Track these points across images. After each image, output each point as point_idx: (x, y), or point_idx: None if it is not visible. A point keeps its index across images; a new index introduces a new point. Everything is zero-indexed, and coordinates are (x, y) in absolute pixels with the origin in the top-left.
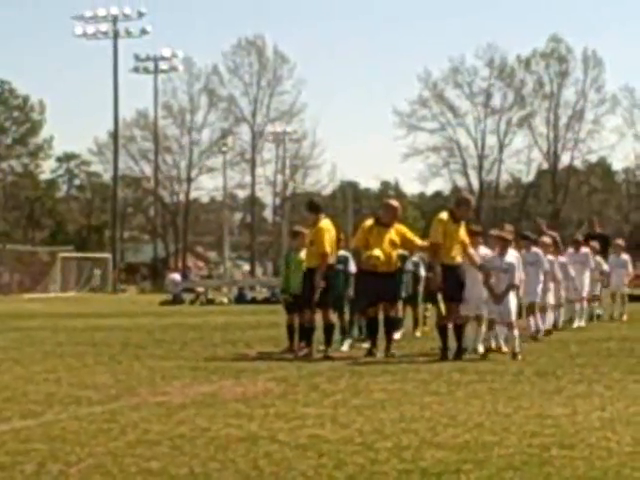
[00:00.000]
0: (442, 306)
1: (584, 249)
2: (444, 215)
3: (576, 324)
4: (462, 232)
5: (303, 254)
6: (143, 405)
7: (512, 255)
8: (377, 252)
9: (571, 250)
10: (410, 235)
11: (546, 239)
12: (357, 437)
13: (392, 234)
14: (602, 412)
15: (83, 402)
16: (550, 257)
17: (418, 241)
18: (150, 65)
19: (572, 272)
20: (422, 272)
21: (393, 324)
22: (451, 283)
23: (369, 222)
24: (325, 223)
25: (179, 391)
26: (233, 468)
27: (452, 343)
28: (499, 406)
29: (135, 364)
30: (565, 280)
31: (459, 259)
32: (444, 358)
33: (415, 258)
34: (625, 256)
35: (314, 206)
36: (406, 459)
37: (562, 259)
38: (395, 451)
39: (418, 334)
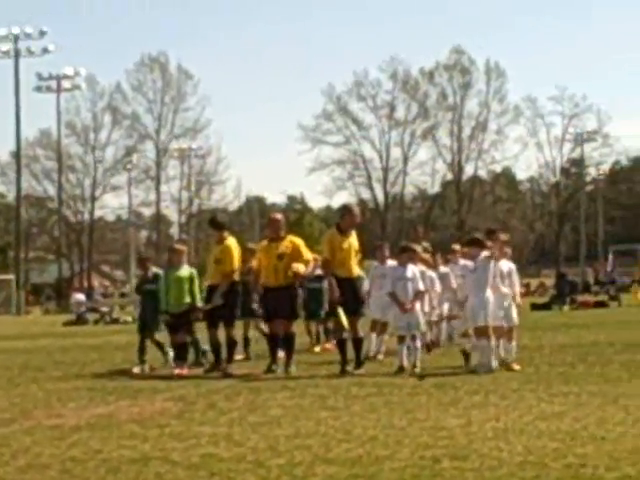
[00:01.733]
0: (343, 319)
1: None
2: (331, 230)
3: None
4: (354, 242)
5: (182, 271)
6: (37, 428)
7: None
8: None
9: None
10: (302, 249)
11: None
12: (250, 455)
13: (281, 248)
14: (496, 422)
15: None
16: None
17: (307, 255)
18: (53, 84)
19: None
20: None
21: (291, 340)
22: (348, 296)
23: (263, 242)
24: (232, 241)
25: (74, 413)
26: None
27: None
28: (394, 419)
29: (32, 386)
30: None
31: (356, 271)
32: (343, 372)
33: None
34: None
35: (217, 223)
36: (297, 476)
37: (444, 269)
38: (287, 468)
39: (317, 349)
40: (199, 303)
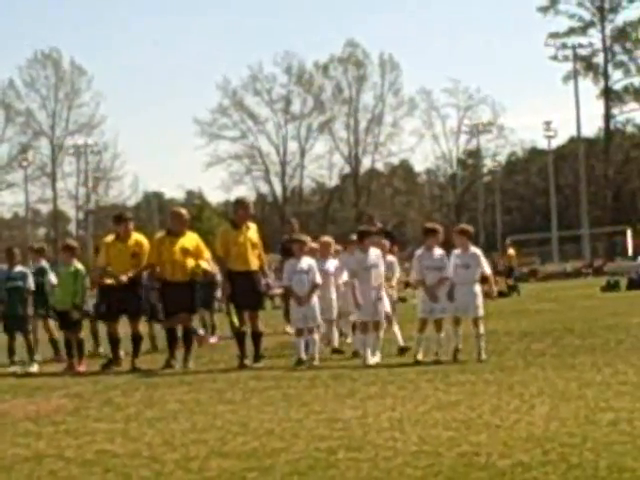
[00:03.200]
0: (234, 316)
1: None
2: (224, 226)
3: None
4: (250, 236)
5: (72, 268)
6: None
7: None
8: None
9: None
10: (202, 246)
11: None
12: (145, 450)
13: (184, 243)
14: (392, 412)
15: None
16: None
17: (207, 253)
18: None
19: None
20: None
21: (190, 334)
22: (242, 290)
23: (160, 234)
24: (141, 236)
25: None
26: None
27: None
28: (292, 412)
29: None
30: None
31: (254, 265)
32: (242, 366)
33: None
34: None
35: (127, 218)
36: (192, 470)
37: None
38: (182, 462)
39: (213, 341)
40: (80, 301)
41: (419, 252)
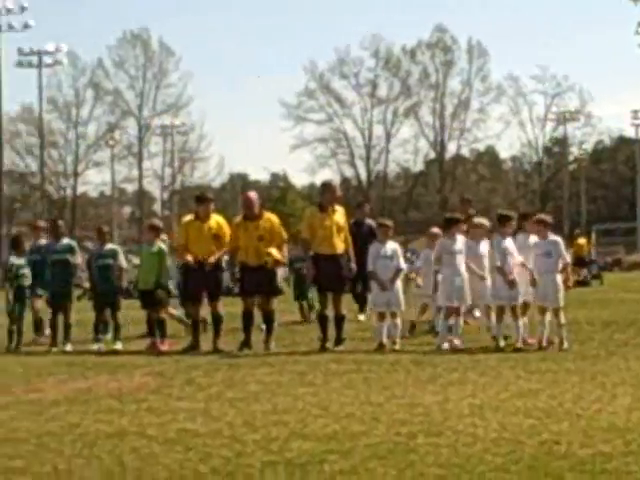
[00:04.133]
0: (317, 297)
1: None
2: (310, 209)
3: None
4: (336, 219)
5: (155, 248)
6: (14, 403)
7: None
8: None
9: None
10: (277, 229)
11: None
12: (226, 430)
13: (259, 227)
14: (473, 399)
15: None
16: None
17: (283, 236)
18: (34, 59)
19: None
20: None
21: (271, 317)
22: (327, 273)
23: (237, 218)
24: (220, 217)
25: (53, 387)
26: (97, 464)
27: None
28: (372, 395)
29: (11, 361)
30: None
31: (340, 248)
32: (323, 349)
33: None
34: None
35: (208, 198)
36: (272, 451)
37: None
38: (263, 443)
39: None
40: (165, 280)
41: (499, 239)
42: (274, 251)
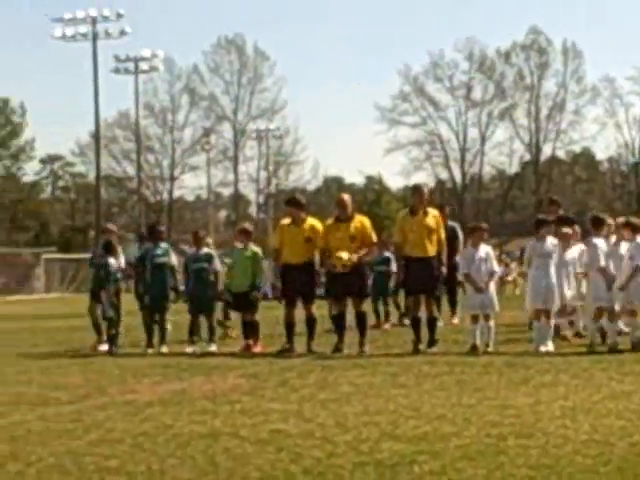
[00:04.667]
0: (408, 300)
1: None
2: (401, 212)
3: None
4: (427, 222)
5: (249, 251)
6: (110, 404)
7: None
8: (343, 254)
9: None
10: (368, 231)
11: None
12: (318, 431)
13: (350, 228)
14: (565, 401)
15: (51, 402)
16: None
17: (373, 238)
18: (130, 66)
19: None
20: (393, 268)
21: (363, 319)
22: (418, 275)
23: (329, 220)
24: (315, 220)
25: (148, 389)
26: (190, 464)
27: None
28: (464, 397)
29: (108, 363)
30: None
31: (430, 251)
32: (416, 351)
33: (387, 254)
34: None
35: (300, 203)
36: (363, 452)
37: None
38: (354, 444)
39: (387, 327)
40: (260, 283)
41: (596, 240)
42: (345, 255)
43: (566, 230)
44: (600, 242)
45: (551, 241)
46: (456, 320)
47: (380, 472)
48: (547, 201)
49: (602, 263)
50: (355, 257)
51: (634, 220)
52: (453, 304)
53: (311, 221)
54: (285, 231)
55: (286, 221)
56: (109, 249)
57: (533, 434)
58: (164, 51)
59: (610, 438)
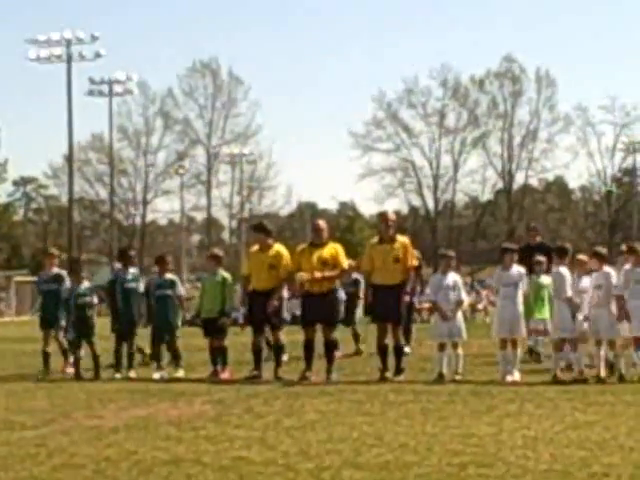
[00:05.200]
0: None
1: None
2: (372, 239)
3: None
4: (395, 250)
5: (219, 277)
6: (75, 429)
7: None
8: (302, 274)
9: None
10: (339, 257)
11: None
12: (281, 458)
13: (323, 253)
14: (527, 431)
15: (16, 427)
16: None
17: (344, 263)
18: (105, 88)
19: None
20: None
21: (332, 347)
22: (384, 303)
23: (302, 245)
24: (282, 247)
25: (114, 414)
26: None
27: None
28: (428, 426)
29: (74, 387)
30: None
31: (397, 279)
32: (383, 379)
33: (356, 275)
34: None
35: (266, 229)
36: (324, 479)
37: None
38: (315, 472)
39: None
40: (228, 309)
41: (562, 270)
42: (304, 275)
43: (540, 259)
44: (565, 271)
45: (517, 269)
46: (407, 349)
47: None
48: (526, 227)
49: (568, 293)
50: (318, 274)
51: (600, 250)
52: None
53: (277, 247)
54: (252, 257)
55: (254, 248)
56: (75, 271)
57: (494, 463)
58: (138, 74)
59: (570, 468)
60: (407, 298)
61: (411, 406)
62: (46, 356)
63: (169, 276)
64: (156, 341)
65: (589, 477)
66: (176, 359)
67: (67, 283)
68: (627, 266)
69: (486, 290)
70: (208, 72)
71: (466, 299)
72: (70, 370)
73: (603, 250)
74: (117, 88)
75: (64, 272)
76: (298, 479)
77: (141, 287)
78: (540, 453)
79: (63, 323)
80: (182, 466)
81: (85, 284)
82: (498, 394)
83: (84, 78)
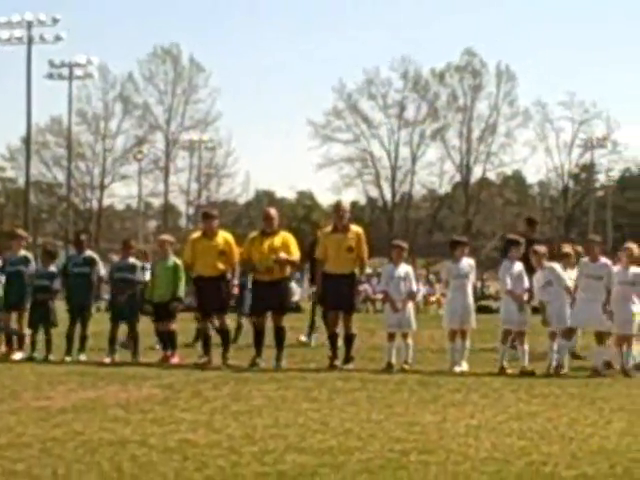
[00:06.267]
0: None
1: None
2: (325, 229)
3: None
4: (348, 239)
5: (168, 262)
6: (23, 409)
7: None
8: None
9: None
10: (291, 246)
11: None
12: (225, 441)
13: (274, 242)
14: (471, 419)
15: None
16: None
17: (296, 252)
18: (65, 71)
19: None
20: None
21: (282, 334)
22: (336, 292)
23: (253, 233)
24: (226, 232)
25: (62, 396)
26: (96, 470)
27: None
28: (373, 413)
29: (25, 369)
30: None
31: (348, 268)
32: (332, 367)
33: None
34: None
35: (212, 215)
36: (267, 463)
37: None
38: (259, 455)
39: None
40: (181, 294)
41: (505, 263)
42: (282, 254)
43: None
44: (508, 264)
45: (467, 262)
46: (302, 337)
47: None
48: (525, 220)
49: (508, 286)
50: (282, 256)
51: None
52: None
53: (223, 234)
54: (197, 244)
55: (196, 235)
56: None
57: (435, 451)
58: (99, 58)
59: (509, 456)
60: (361, 288)
61: (358, 394)
62: (8, 337)
63: (131, 260)
64: (112, 324)
65: (527, 465)
66: (135, 343)
67: (32, 265)
68: (584, 259)
69: (440, 282)
70: (169, 58)
71: (420, 290)
72: (19, 355)
73: (597, 238)
74: (77, 72)
75: (30, 255)
76: (241, 461)
77: (100, 269)
78: (482, 441)
79: (27, 306)
80: (128, 447)
81: (51, 268)
82: (445, 384)
83: (44, 61)
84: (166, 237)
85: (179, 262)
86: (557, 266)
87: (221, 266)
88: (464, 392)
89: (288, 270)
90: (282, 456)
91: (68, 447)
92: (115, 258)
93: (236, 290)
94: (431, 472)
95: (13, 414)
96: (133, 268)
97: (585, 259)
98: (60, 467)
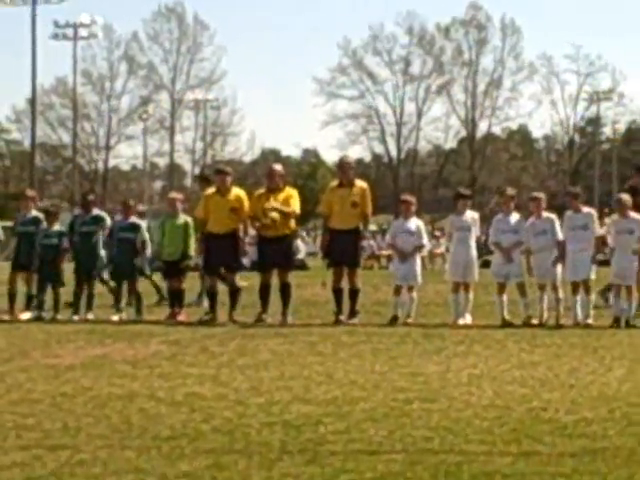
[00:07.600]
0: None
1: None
2: (331, 183)
3: None
4: (353, 195)
5: (178, 220)
6: (33, 367)
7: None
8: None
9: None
10: (292, 201)
11: None
12: (232, 394)
13: (279, 198)
14: (473, 369)
15: None
16: None
17: (296, 208)
18: (69, 32)
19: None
20: None
21: (288, 290)
22: (341, 247)
23: (259, 190)
24: (240, 190)
25: (71, 353)
26: (106, 422)
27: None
28: (377, 365)
29: (33, 328)
30: None
31: (353, 224)
32: (337, 321)
33: None
34: None
35: (225, 171)
36: (273, 413)
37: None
38: (265, 406)
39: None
40: (191, 252)
41: (499, 217)
42: (275, 203)
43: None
44: (498, 218)
45: (470, 215)
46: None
47: (286, 431)
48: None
49: (492, 239)
50: (273, 204)
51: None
52: None
53: (236, 191)
54: (210, 201)
55: (211, 191)
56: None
57: (437, 399)
58: (103, 18)
59: (510, 403)
60: (365, 243)
61: (362, 347)
62: (12, 297)
63: (134, 219)
64: (116, 282)
65: (527, 411)
66: (137, 301)
67: (43, 226)
68: (569, 213)
69: (445, 237)
70: (173, 16)
71: (427, 245)
72: (27, 315)
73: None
74: (82, 32)
75: (41, 215)
76: (248, 412)
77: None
78: (483, 390)
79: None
80: (136, 401)
81: (56, 227)
82: (449, 336)
83: (49, 21)
84: (176, 195)
85: (189, 220)
86: (556, 219)
87: (232, 223)
88: (467, 344)
89: (293, 225)
90: (287, 407)
91: (77, 402)
92: (118, 218)
93: (247, 247)
94: (433, 419)
95: (23, 372)
96: (137, 227)
97: (615, 216)
98: (70, 420)
